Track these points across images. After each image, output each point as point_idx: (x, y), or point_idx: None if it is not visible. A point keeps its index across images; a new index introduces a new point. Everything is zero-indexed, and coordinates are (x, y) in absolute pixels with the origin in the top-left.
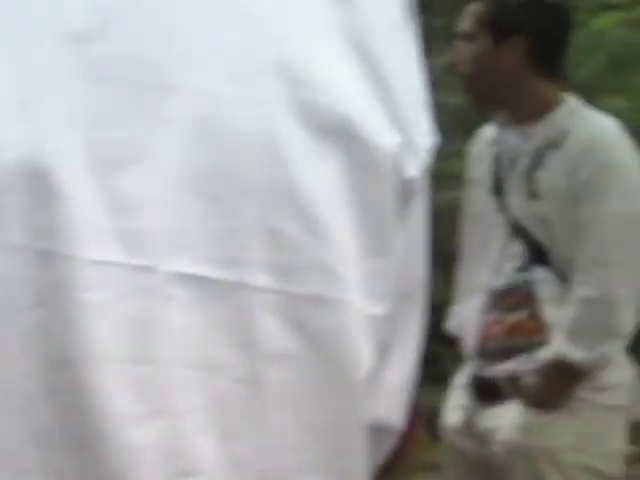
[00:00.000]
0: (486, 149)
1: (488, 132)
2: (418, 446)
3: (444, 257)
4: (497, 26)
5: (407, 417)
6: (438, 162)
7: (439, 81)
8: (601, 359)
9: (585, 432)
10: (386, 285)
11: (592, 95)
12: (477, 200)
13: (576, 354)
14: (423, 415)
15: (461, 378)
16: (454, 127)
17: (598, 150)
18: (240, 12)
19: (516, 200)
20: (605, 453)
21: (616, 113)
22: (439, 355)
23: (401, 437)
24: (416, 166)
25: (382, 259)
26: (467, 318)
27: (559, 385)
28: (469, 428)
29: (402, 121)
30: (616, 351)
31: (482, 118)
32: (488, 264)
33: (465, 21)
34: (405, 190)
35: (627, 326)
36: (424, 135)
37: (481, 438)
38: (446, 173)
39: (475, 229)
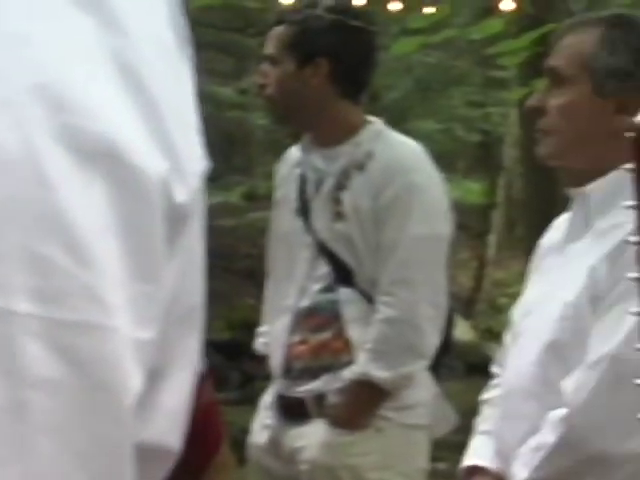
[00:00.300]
0: (292, 170)
1: (294, 153)
2: (222, 468)
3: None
4: (300, 49)
5: (206, 438)
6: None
7: (251, 102)
8: (404, 379)
9: (389, 451)
10: (155, 310)
11: (402, 118)
12: (283, 221)
13: (380, 373)
14: (226, 436)
15: (267, 398)
16: (265, 148)
17: (400, 173)
18: None
19: (321, 221)
20: (409, 471)
21: (426, 135)
22: (252, 375)
23: (200, 457)
24: (187, 191)
25: (150, 284)
26: (273, 338)
27: (363, 404)
28: (275, 447)
29: (171, 146)
30: (419, 371)
31: (292, 139)
32: (294, 284)
33: (269, 44)
34: (176, 215)
35: (430, 346)
36: (195, 160)
37: (287, 457)
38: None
39: (281, 249)
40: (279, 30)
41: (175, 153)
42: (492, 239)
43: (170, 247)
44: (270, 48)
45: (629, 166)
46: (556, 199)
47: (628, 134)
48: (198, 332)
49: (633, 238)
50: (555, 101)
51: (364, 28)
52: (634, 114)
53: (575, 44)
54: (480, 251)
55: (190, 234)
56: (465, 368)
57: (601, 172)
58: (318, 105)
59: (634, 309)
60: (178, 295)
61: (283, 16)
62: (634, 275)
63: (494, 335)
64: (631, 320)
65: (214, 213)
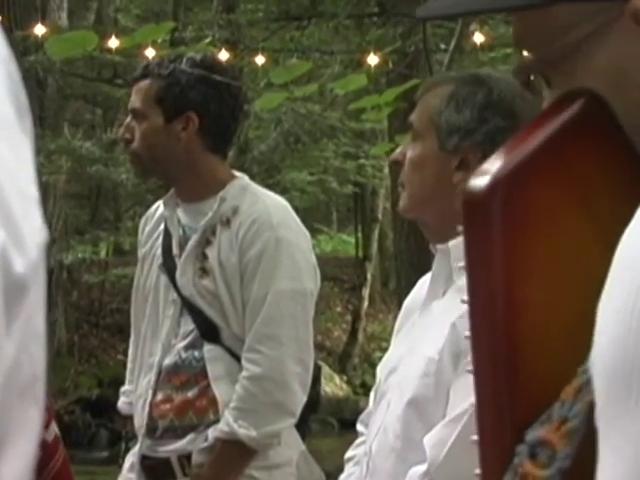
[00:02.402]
0: (157, 226)
1: (160, 208)
2: None
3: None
4: (169, 103)
5: None
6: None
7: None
8: (271, 437)
9: None
10: None
11: (275, 170)
12: (148, 277)
13: (246, 432)
14: None
15: (131, 458)
16: (131, 202)
17: (266, 228)
18: None
19: (187, 277)
20: None
21: (299, 188)
22: (121, 434)
23: None
24: (26, 262)
25: None
26: (138, 397)
27: (229, 464)
28: None
29: (9, 217)
30: (286, 429)
31: (156, 195)
32: (159, 341)
33: (135, 98)
34: (14, 286)
35: (297, 404)
36: (35, 231)
37: None
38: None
39: (146, 306)
40: (145, 84)
41: (13, 224)
42: (366, 292)
43: (8, 318)
44: (136, 102)
45: (460, 228)
46: (427, 252)
47: (459, 196)
48: (40, 402)
49: (465, 298)
50: (408, 155)
51: (230, 84)
52: (474, 171)
53: (428, 101)
54: (354, 304)
55: (30, 305)
56: (339, 424)
57: (452, 228)
58: (186, 160)
59: (468, 367)
60: (18, 366)
61: (149, 70)
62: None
63: (368, 390)
64: None
65: (81, 269)
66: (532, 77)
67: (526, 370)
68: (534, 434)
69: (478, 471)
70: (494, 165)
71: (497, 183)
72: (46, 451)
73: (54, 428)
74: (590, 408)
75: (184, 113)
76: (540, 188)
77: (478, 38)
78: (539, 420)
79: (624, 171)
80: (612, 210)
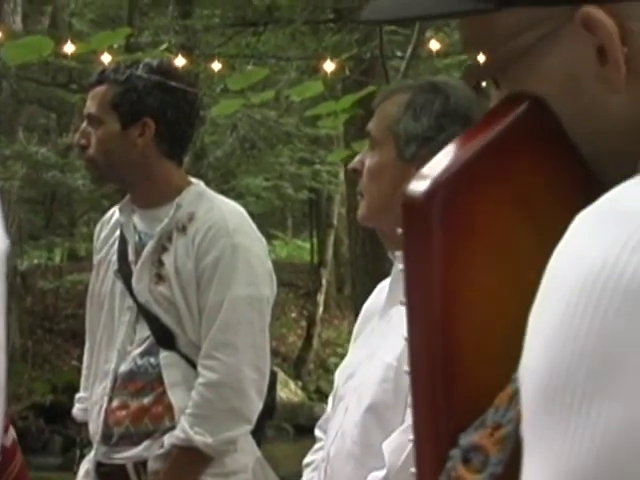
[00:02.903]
0: (113, 231)
1: (115, 214)
2: None
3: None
4: (126, 109)
5: None
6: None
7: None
8: (227, 444)
9: None
10: None
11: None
12: (103, 283)
13: (202, 439)
14: None
15: (86, 465)
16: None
17: (222, 234)
18: None
19: (142, 284)
20: None
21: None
22: (75, 440)
23: None
24: None
25: None
26: (93, 403)
27: (185, 470)
28: None
29: None
30: (242, 435)
31: (112, 200)
32: (115, 348)
33: (91, 104)
34: None
35: (253, 410)
36: None
37: None
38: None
39: (101, 312)
40: (101, 90)
41: None
42: (321, 298)
43: None
44: (91, 107)
45: (399, 231)
46: (383, 258)
47: (399, 200)
48: (1, 407)
49: (403, 299)
50: (367, 163)
51: (186, 90)
52: None
53: (386, 109)
54: (309, 310)
55: None
56: (294, 430)
57: None
58: (142, 166)
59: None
60: None
61: (105, 76)
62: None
63: (323, 395)
64: None
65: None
66: (483, 82)
67: (462, 375)
68: (467, 439)
69: (413, 470)
70: (434, 169)
71: (436, 187)
72: (5, 455)
73: (12, 433)
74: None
75: (141, 119)
76: (479, 193)
77: (434, 45)
78: (473, 425)
79: (565, 176)
80: (553, 215)
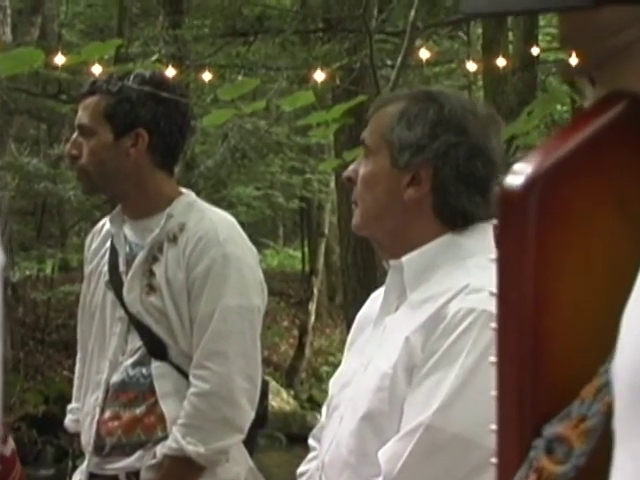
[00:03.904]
0: (103, 242)
1: (106, 225)
2: None
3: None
4: (119, 120)
5: None
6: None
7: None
8: (219, 453)
9: None
10: None
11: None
12: (94, 294)
13: (194, 448)
14: None
15: (78, 476)
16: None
17: (213, 244)
18: None
19: (133, 294)
20: None
21: (246, 202)
22: (68, 451)
23: None
24: None
25: None
26: (85, 414)
27: None
28: None
29: None
30: (234, 445)
31: (103, 211)
32: (106, 359)
33: (83, 114)
34: None
35: (245, 420)
36: None
37: None
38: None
39: (93, 323)
40: (93, 100)
41: None
42: (313, 307)
43: None
44: (83, 118)
45: (494, 222)
46: (374, 267)
47: (496, 192)
48: None
49: (493, 290)
50: (361, 172)
51: (179, 100)
52: (426, 186)
53: (380, 119)
54: (301, 319)
55: None
56: (287, 439)
57: (405, 244)
58: (135, 176)
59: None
60: None
61: (97, 86)
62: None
63: (316, 404)
64: (445, 390)
65: (27, 285)
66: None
67: (550, 366)
68: (552, 430)
69: (494, 460)
70: (531, 164)
71: (533, 182)
72: (5, 465)
73: (11, 442)
74: (608, 409)
75: (134, 130)
76: (576, 188)
77: (424, 54)
78: (558, 416)
79: None
80: None
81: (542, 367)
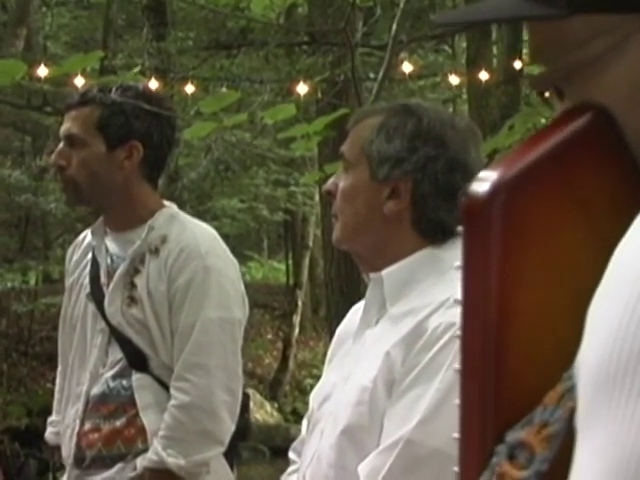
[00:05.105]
0: (85, 254)
1: (88, 237)
2: None
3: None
4: (113, 131)
5: None
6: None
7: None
8: (200, 465)
9: None
10: None
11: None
12: (76, 306)
13: (174, 461)
14: None
15: None
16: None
17: (194, 256)
18: None
19: (115, 306)
20: None
21: (232, 214)
22: (47, 465)
23: None
24: None
25: None
26: (65, 427)
27: None
28: None
29: None
30: (215, 457)
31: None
32: (87, 371)
33: (72, 125)
34: None
35: (226, 432)
36: None
37: None
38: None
39: (74, 335)
40: (85, 111)
41: None
42: (297, 320)
43: None
44: (74, 128)
45: (460, 229)
46: (357, 280)
47: (461, 199)
48: None
49: (457, 298)
50: (341, 185)
51: (170, 114)
52: (405, 199)
53: (359, 132)
54: (285, 332)
55: None
56: (271, 452)
57: (385, 257)
58: (124, 188)
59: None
60: None
61: (89, 97)
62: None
63: (300, 417)
64: (425, 404)
65: (10, 297)
66: (546, 93)
67: (513, 374)
68: (514, 435)
69: (456, 469)
70: (496, 171)
71: (498, 189)
72: None
73: None
74: (571, 414)
75: (128, 142)
76: (540, 197)
77: (407, 67)
78: (520, 423)
79: (625, 186)
80: (610, 223)
81: (505, 375)
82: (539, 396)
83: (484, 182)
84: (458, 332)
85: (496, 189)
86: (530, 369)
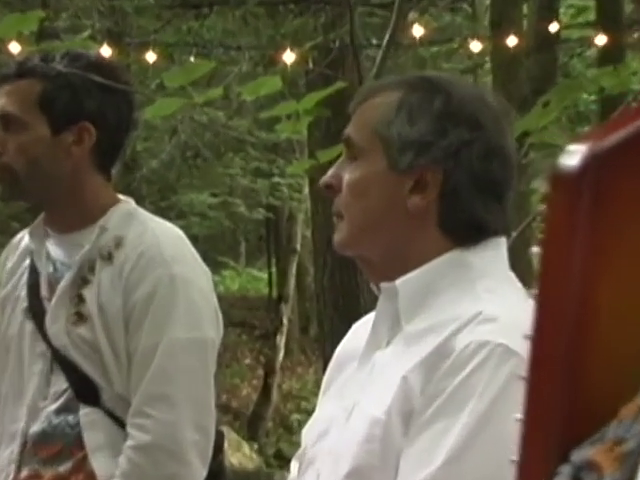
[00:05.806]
0: (21, 260)
1: (24, 239)
2: None
3: None
4: (59, 111)
5: None
6: None
7: None
8: None
9: None
10: None
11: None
12: (10, 324)
13: None
14: None
15: None
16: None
17: (157, 264)
18: None
19: (58, 325)
20: None
21: (201, 211)
22: None
23: None
24: None
25: None
26: None
27: None
28: None
29: None
30: None
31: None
32: (24, 405)
33: (7, 102)
34: None
35: (195, 478)
36: None
37: None
38: None
39: (7, 360)
40: (22, 85)
41: None
42: (282, 340)
43: None
44: (9, 106)
45: (541, 210)
46: (356, 291)
47: (546, 178)
48: None
49: (526, 332)
50: (347, 177)
51: (125, 87)
52: (433, 192)
53: (369, 111)
54: (267, 355)
55: None
56: None
57: (402, 263)
58: (72, 179)
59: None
60: None
61: (28, 67)
62: None
63: (284, 461)
64: (452, 440)
65: None
66: None
67: (587, 381)
68: (581, 454)
69: None
70: (586, 144)
71: (589, 163)
72: None
73: None
74: None
75: (76, 123)
76: (635, 175)
77: (417, 31)
78: (590, 439)
79: None
80: None
81: (578, 382)
82: (614, 409)
83: (574, 154)
84: (513, 363)
85: (588, 161)
86: (607, 377)
